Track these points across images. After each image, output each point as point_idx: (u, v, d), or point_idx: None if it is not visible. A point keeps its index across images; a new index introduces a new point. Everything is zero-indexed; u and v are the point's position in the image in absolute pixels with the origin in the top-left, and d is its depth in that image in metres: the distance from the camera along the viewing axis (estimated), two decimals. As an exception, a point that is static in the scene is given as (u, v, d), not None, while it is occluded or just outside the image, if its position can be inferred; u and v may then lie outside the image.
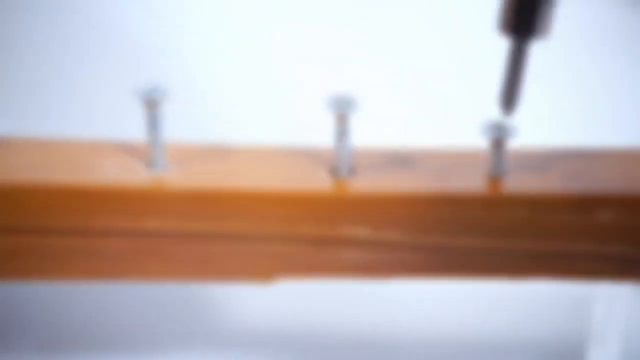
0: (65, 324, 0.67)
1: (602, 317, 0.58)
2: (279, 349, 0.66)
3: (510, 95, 0.43)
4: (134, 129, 0.51)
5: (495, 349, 0.66)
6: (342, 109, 0.46)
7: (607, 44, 0.82)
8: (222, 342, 0.66)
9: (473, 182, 0.46)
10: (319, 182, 0.47)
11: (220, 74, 0.80)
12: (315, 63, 0.78)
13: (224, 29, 0.82)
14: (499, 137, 0.46)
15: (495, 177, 0.47)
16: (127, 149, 0.49)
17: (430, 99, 0.78)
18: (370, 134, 0.50)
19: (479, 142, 0.47)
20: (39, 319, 0.67)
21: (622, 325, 0.55)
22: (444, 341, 0.67)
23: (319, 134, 0.50)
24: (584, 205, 0.45)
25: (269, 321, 0.67)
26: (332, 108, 0.46)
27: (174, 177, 0.47)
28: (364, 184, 0.47)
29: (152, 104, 0.47)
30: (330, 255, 0.48)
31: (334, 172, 0.47)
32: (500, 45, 0.44)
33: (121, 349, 0.65)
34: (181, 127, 0.52)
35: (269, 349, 0.66)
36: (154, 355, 0.65)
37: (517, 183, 0.46)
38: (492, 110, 0.45)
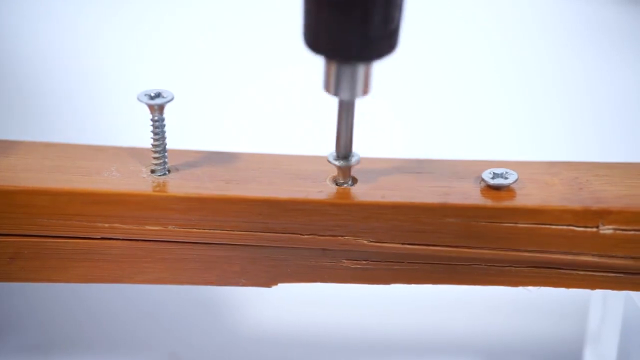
0: (67, 326, 0.67)
1: (599, 318, 0.58)
2: (278, 354, 0.66)
3: (345, 146, 0.46)
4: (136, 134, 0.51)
5: (494, 350, 0.66)
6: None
7: (608, 41, 0.82)
8: (223, 346, 0.67)
9: (476, 193, 0.46)
10: (322, 190, 0.47)
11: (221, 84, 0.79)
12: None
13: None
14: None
15: (497, 189, 0.47)
16: (129, 154, 0.49)
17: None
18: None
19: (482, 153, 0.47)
20: (40, 320, 0.67)
21: (619, 325, 0.55)
22: (445, 342, 0.67)
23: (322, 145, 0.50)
24: (586, 218, 0.45)
25: (269, 326, 0.68)
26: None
27: (176, 182, 0.47)
28: (366, 193, 0.46)
29: (155, 109, 0.47)
30: (332, 262, 0.48)
31: (337, 180, 0.47)
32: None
33: (122, 351, 0.66)
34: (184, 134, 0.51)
35: (268, 354, 0.66)
36: (154, 357, 0.65)
37: (519, 195, 0.46)
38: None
